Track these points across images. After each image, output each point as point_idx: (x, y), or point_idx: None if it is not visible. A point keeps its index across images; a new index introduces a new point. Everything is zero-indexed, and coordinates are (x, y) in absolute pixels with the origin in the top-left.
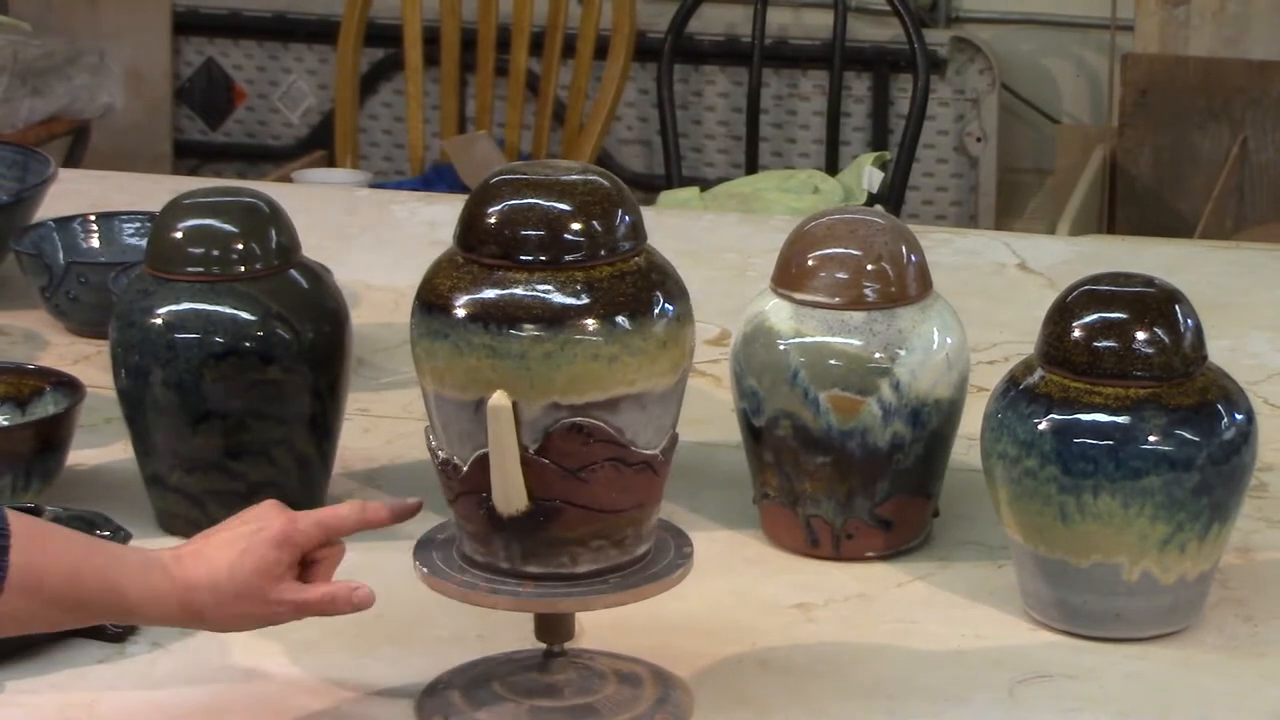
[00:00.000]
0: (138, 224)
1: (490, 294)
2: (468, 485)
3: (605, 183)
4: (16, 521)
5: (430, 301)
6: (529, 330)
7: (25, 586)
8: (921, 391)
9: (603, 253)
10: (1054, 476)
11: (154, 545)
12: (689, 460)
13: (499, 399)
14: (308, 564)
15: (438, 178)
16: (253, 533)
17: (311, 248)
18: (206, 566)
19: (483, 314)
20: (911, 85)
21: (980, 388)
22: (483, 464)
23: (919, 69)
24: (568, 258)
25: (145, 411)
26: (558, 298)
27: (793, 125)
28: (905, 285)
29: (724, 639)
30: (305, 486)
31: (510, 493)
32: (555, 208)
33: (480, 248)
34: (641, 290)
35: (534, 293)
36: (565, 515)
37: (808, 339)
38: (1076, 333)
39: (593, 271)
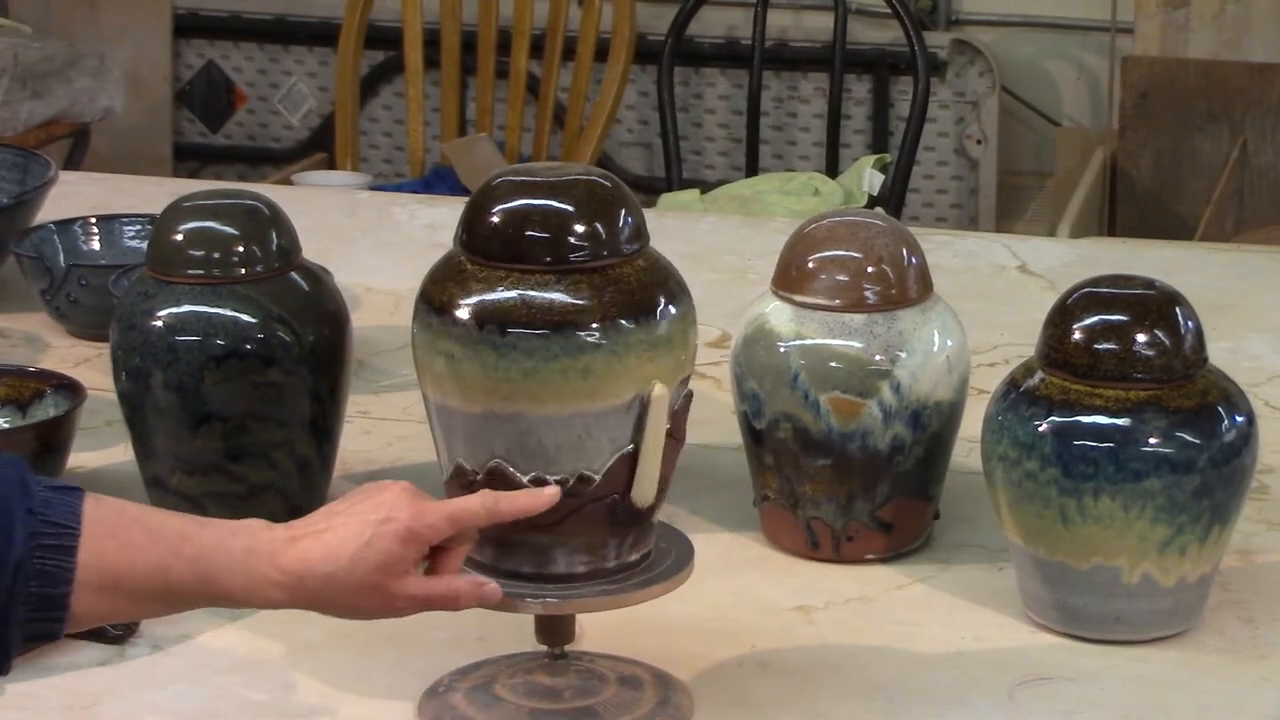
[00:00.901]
0: (138, 226)
1: (492, 296)
2: (603, 490)
3: (607, 184)
4: (95, 511)
5: (431, 304)
6: (530, 332)
7: (100, 584)
8: (922, 394)
9: (605, 254)
10: (1054, 479)
11: None
12: (689, 462)
13: (660, 389)
14: (433, 552)
15: (438, 180)
16: (379, 523)
17: (312, 250)
18: (324, 554)
19: (484, 316)
20: (912, 88)
21: (981, 390)
22: (625, 464)
23: (919, 71)
24: (570, 259)
25: (146, 414)
26: (560, 299)
27: (793, 128)
28: (906, 288)
29: (724, 641)
30: (305, 489)
31: (653, 482)
32: (557, 209)
33: (481, 250)
34: (644, 291)
35: (535, 294)
36: (665, 491)
37: (808, 341)
38: (1077, 335)
39: (595, 273)
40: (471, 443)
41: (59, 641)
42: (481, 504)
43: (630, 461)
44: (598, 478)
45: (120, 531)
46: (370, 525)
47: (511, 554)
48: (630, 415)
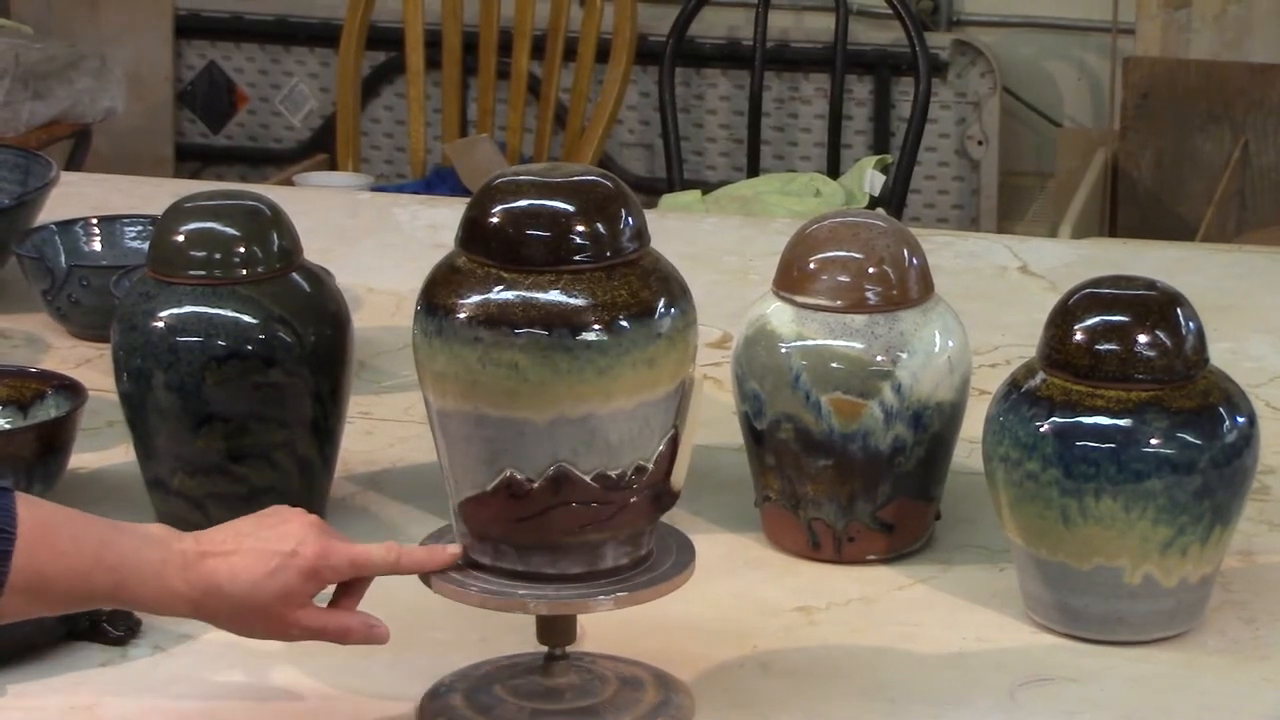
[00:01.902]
0: (139, 227)
1: (492, 297)
2: (654, 478)
3: (608, 185)
4: (28, 514)
5: (432, 305)
6: (530, 333)
7: (29, 588)
8: (923, 394)
9: (607, 255)
10: (1056, 479)
11: None
12: (691, 463)
13: (697, 371)
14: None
15: (439, 181)
16: (286, 555)
17: (313, 251)
18: (229, 575)
19: (485, 317)
20: (913, 88)
21: (982, 390)
22: (671, 451)
23: (920, 72)
24: (571, 260)
25: (147, 414)
26: (561, 300)
27: (794, 128)
28: (907, 288)
29: (725, 642)
30: (307, 489)
31: (686, 465)
32: (558, 210)
33: (483, 250)
34: (644, 293)
35: (536, 295)
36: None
37: (809, 342)
38: (1078, 335)
39: (596, 274)
40: (469, 444)
41: (60, 642)
42: (385, 555)
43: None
44: (650, 467)
45: (49, 536)
46: (277, 556)
47: (559, 559)
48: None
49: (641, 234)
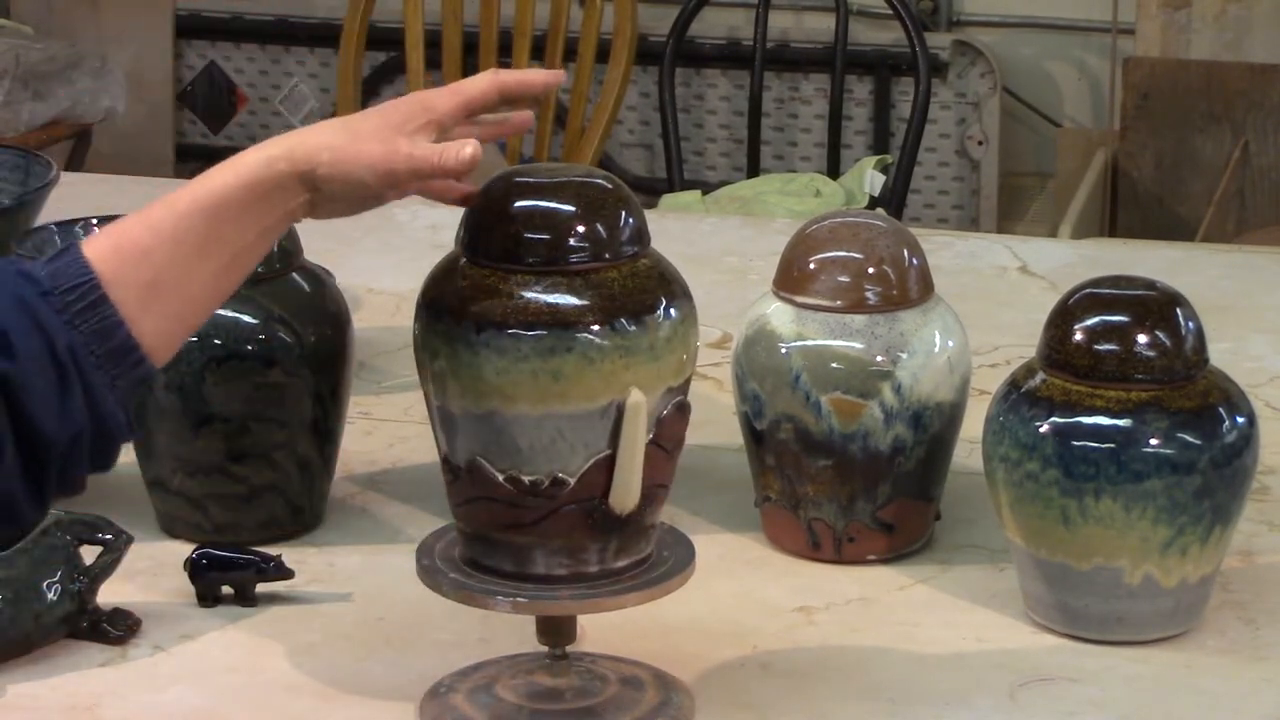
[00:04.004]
0: None
1: (492, 297)
2: (579, 494)
3: (608, 185)
4: (95, 250)
5: (432, 305)
6: (530, 333)
7: (142, 300)
8: (923, 395)
9: (607, 255)
10: (1055, 480)
11: (156, 549)
12: (691, 463)
13: (637, 395)
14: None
15: None
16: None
17: (313, 251)
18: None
19: (485, 317)
20: (913, 89)
21: (982, 391)
22: (601, 469)
23: (920, 72)
24: (571, 260)
25: (147, 415)
26: (561, 300)
27: (794, 129)
28: (907, 288)
29: (725, 642)
30: (307, 490)
31: (632, 489)
32: (558, 210)
33: (483, 251)
34: (645, 293)
35: (536, 296)
36: (657, 500)
37: (809, 342)
38: (1078, 336)
39: (596, 274)
40: (468, 442)
41: (60, 641)
42: (484, 76)
43: (608, 467)
44: (572, 481)
45: (125, 246)
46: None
47: (493, 552)
48: (592, 423)
49: (641, 234)
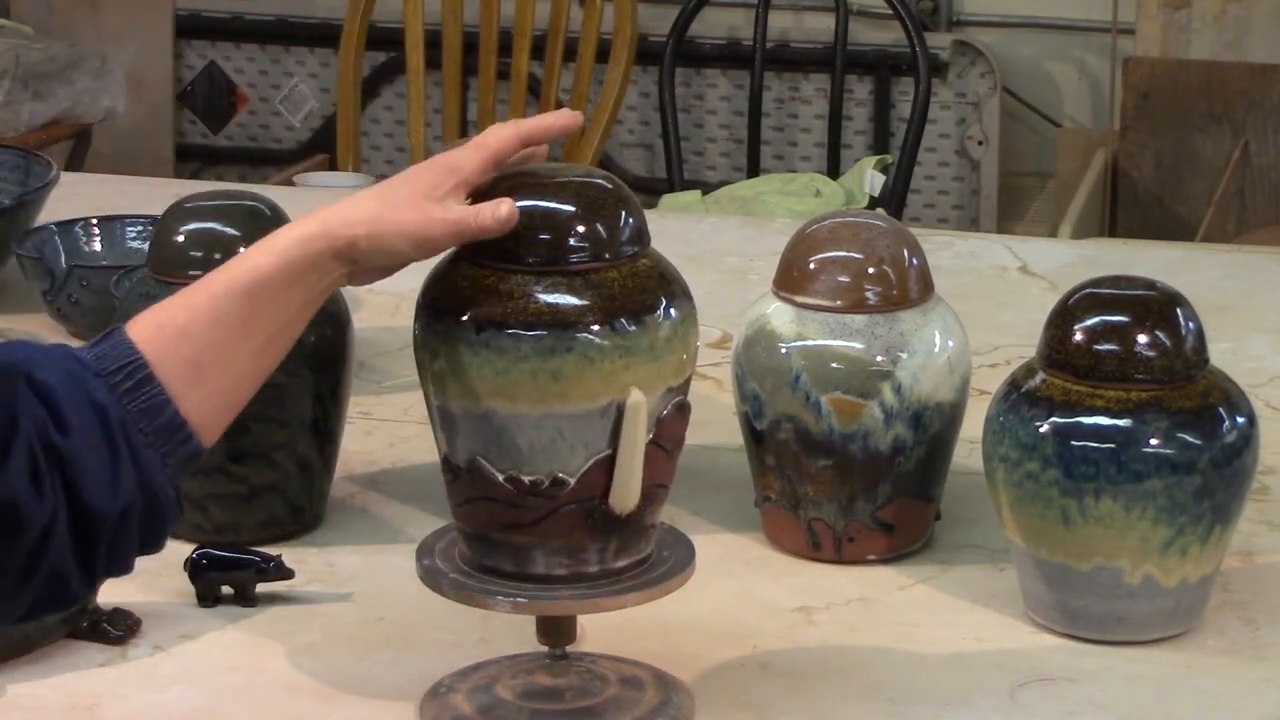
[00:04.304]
0: (140, 227)
1: (492, 298)
2: (579, 494)
3: (608, 185)
4: (139, 332)
5: (432, 305)
6: (530, 333)
7: (186, 378)
8: (923, 395)
9: (607, 255)
10: (1055, 480)
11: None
12: (691, 463)
13: (637, 395)
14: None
15: None
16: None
17: None
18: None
19: (485, 317)
20: (913, 89)
21: (982, 391)
22: (601, 469)
23: (920, 72)
24: (571, 260)
25: None
26: (561, 300)
27: (794, 129)
28: (907, 288)
29: (725, 642)
30: (307, 490)
31: (632, 490)
32: (558, 210)
33: (483, 251)
34: (645, 294)
35: (536, 296)
36: (657, 500)
37: (809, 342)
38: (1078, 336)
39: (596, 274)
40: (468, 442)
41: (60, 641)
42: (504, 125)
43: (608, 467)
44: (572, 481)
45: (166, 326)
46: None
47: (493, 552)
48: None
49: (642, 234)
